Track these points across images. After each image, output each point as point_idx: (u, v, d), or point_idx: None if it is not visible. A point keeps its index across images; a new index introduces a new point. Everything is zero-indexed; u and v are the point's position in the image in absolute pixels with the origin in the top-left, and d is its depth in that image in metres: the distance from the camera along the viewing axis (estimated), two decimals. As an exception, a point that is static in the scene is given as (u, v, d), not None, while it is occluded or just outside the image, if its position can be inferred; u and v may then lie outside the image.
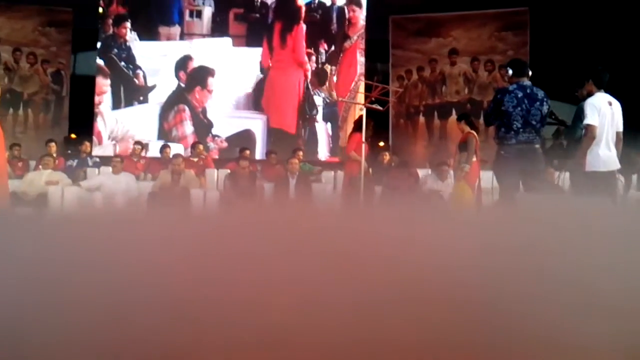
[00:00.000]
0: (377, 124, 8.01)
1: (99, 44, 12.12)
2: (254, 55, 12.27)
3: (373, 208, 7.17)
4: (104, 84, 12.05)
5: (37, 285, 1.09)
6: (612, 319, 1.05)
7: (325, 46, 12.20)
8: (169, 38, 12.30)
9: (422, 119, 12.39)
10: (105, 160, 10.05)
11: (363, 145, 6.98)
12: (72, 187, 8.40)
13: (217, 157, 11.41)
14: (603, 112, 5.36)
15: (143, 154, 10.53)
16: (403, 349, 0.94)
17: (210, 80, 12.12)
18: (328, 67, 12.16)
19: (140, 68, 12.20)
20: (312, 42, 12.19)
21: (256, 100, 12.14)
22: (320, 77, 12.13)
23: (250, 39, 12.32)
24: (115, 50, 12.16)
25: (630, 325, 1.03)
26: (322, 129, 12.11)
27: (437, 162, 8.99)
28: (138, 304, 1.02)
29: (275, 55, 12.19)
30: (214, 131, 12.02)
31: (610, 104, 5.43)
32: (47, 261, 1.20)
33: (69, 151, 10.81)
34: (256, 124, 12.08)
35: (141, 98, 12.18)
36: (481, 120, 11.17)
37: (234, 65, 12.20)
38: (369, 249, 1.21)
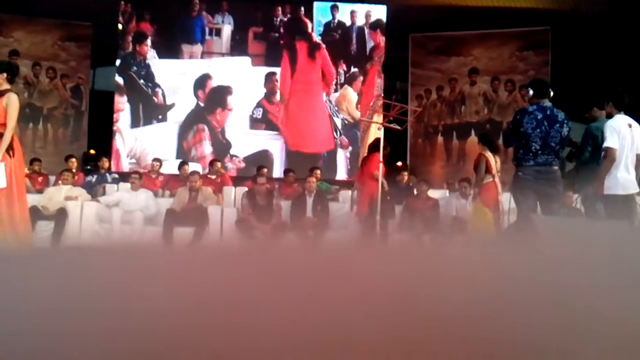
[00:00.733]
0: (395, 144, 7.96)
1: (118, 61, 12.22)
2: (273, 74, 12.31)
3: (391, 237, 7.16)
4: (122, 102, 12.13)
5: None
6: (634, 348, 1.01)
7: (345, 67, 12.21)
8: (191, 56, 12.38)
9: (440, 138, 12.33)
10: (123, 177, 10.08)
11: (380, 165, 6.94)
12: (91, 203, 8.43)
13: (234, 174, 11.42)
14: (623, 134, 5.27)
15: (161, 170, 10.55)
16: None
17: (229, 99, 12.16)
18: (348, 88, 12.16)
19: (159, 86, 12.27)
20: (332, 62, 12.21)
21: (262, 121, 12.16)
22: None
23: (269, 59, 12.36)
24: (135, 68, 12.25)
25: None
26: (341, 151, 12.10)
27: (459, 179, 8.93)
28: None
29: (296, 75, 12.21)
30: (232, 151, 12.04)
31: (630, 126, 5.34)
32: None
33: (88, 167, 10.87)
34: (274, 144, 12.09)
35: (160, 117, 12.25)
36: (500, 141, 11.16)
37: (252, 84, 12.23)
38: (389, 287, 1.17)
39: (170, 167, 10.88)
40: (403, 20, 11.93)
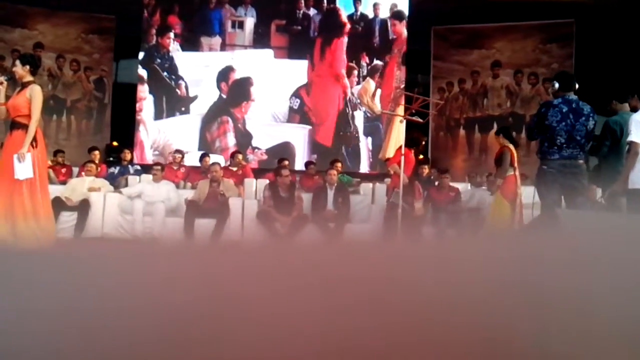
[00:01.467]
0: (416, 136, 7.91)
1: (141, 54, 12.30)
2: (295, 67, 12.28)
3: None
4: (145, 93, 12.23)
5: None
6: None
7: (367, 59, 12.17)
8: (210, 49, 12.42)
9: (462, 132, 12.26)
10: (146, 168, 10.16)
11: (402, 158, 6.92)
12: (114, 194, 8.51)
13: (256, 166, 11.45)
14: None
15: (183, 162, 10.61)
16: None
17: (252, 90, 12.20)
18: (370, 81, 12.12)
19: (182, 79, 12.35)
20: (354, 55, 12.17)
21: (298, 112, 12.17)
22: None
23: (292, 51, 12.36)
24: (158, 60, 12.33)
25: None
26: (363, 144, 12.07)
27: (486, 173, 8.91)
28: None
29: (316, 69, 12.20)
30: (254, 143, 12.07)
31: None
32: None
33: (111, 158, 10.97)
34: (298, 136, 12.09)
35: (183, 109, 12.33)
36: (523, 134, 11.06)
37: (275, 77, 12.24)
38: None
39: (193, 159, 10.95)
40: (425, 12, 11.84)
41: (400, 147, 7.25)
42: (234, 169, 9.90)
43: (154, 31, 12.37)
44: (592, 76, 9.66)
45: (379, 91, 12.10)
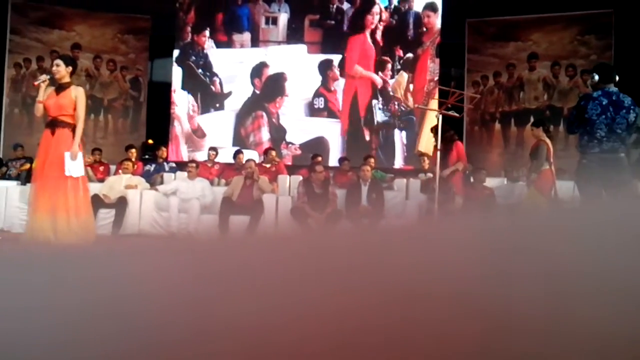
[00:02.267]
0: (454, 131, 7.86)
1: (176, 52, 12.44)
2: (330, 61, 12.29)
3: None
4: (181, 91, 12.37)
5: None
6: None
7: (401, 52, 12.08)
8: (242, 45, 12.48)
9: (497, 126, 12.09)
10: (181, 166, 10.27)
11: (438, 153, 6.85)
12: (150, 191, 8.62)
13: (289, 163, 11.47)
14: None
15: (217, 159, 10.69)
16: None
17: (286, 85, 12.23)
18: (404, 74, 12.04)
19: (216, 75, 12.45)
20: (388, 48, 12.10)
21: (332, 107, 12.16)
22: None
23: (325, 46, 12.34)
24: (193, 57, 12.46)
25: None
26: (397, 138, 12.00)
27: (526, 167, 8.81)
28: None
29: (347, 63, 12.18)
30: (288, 138, 12.10)
31: None
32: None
33: (147, 156, 11.11)
34: (331, 131, 12.08)
35: (217, 105, 12.43)
36: (561, 128, 10.87)
37: (308, 72, 12.25)
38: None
39: (227, 154, 11.02)
40: (459, 5, 11.71)
41: (436, 143, 7.19)
42: (268, 165, 9.93)
43: (189, 29, 12.50)
44: (632, 67, 9.45)
45: (410, 84, 12.02)
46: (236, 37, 12.51)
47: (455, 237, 1.33)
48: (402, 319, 0.97)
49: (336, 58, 12.23)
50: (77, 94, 6.07)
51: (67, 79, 6.15)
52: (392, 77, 12.06)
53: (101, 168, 9.92)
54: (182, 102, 12.39)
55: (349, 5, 12.29)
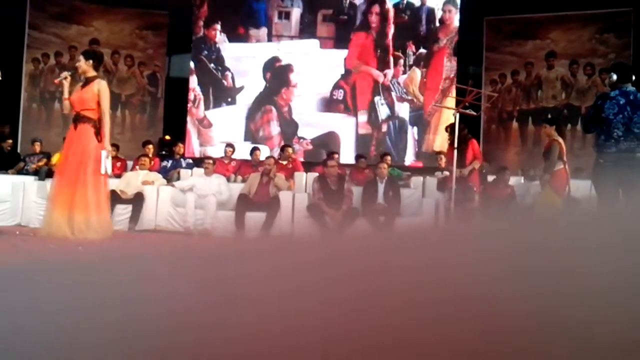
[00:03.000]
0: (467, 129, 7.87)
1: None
2: (341, 56, 12.28)
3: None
4: (195, 86, 12.42)
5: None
6: None
7: (414, 48, 12.05)
8: (257, 40, 12.49)
9: (515, 124, 12.04)
10: (197, 162, 10.30)
11: (455, 152, 6.85)
12: (167, 187, 8.64)
13: (301, 159, 11.47)
14: None
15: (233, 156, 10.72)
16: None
17: (292, 76, 12.23)
18: (416, 70, 12.01)
19: (229, 70, 12.47)
20: (400, 43, 12.06)
21: (341, 102, 12.16)
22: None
23: (338, 41, 12.34)
24: (205, 52, 12.49)
25: None
26: (410, 134, 11.98)
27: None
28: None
29: (357, 58, 12.18)
30: (299, 133, 12.11)
31: None
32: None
33: (164, 152, 11.15)
34: (343, 126, 12.08)
35: (229, 99, 12.46)
36: (579, 127, 10.80)
37: (321, 66, 12.25)
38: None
39: (239, 149, 11.02)
40: (478, 3, 11.66)
41: (452, 142, 7.17)
42: (284, 162, 9.94)
43: (201, 23, 12.52)
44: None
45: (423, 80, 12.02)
46: (253, 32, 12.51)
47: (470, 239, 1.34)
48: (414, 321, 0.98)
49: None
50: (100, 87, 6.05)
51: (91, 73, 6.17)
52: (404, 72, 12.04)
53: (118, 164, 9.94)
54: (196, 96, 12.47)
55: (362, 1, 12.26)
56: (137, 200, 8.24)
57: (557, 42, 11.75)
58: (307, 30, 12.47)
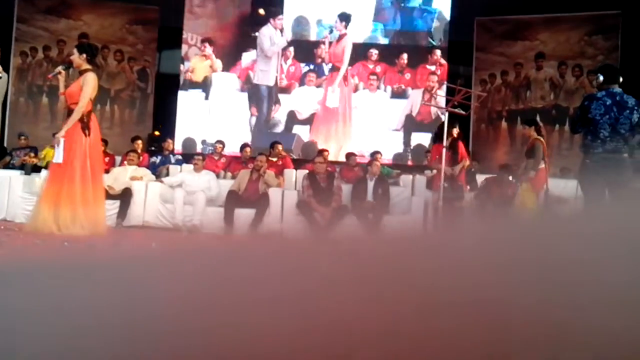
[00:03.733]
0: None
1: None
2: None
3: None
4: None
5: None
6: None
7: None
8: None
9: (504, 124, 12.11)
10: (187, 158, 10.26)
11: (443, 151, 6.89)
12: (155, 183, 8.59)
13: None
14: None
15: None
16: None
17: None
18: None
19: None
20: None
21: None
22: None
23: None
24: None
25: None
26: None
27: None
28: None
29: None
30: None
31: None
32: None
33: (153, 148, 11.10)
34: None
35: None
36: (566, 127, 10.88)
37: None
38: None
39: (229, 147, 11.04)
40: (468, 4, 11.71)
41: (438, 145, 7.22)
42: (274, 159, 9.92)
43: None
44: (638, 68, 9.45)
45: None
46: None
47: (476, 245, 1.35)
48: (427, 327, 0.99)
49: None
50: (85, 80, 5.97)
51: (85, 67, 6.12)
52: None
53: (106, 159, 9.86)
54: (185, 93, 12.48)
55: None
56: (125, 196, 8.18)
57: (546, 43, 11.83)
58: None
